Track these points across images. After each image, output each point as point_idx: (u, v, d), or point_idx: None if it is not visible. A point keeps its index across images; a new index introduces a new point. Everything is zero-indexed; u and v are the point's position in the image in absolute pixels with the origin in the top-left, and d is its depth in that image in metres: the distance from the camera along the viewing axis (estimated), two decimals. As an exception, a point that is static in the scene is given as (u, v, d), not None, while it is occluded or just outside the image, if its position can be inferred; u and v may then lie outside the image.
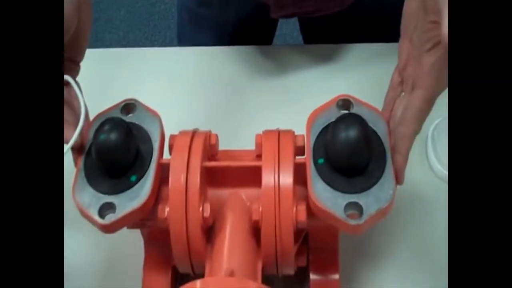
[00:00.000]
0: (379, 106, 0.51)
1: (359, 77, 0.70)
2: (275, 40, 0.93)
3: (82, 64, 0.52)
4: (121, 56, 0.75)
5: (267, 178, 0.46)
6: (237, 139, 0.53)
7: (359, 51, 0.72)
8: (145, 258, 0.53)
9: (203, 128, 0.53)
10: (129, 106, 0.51)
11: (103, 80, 0.70)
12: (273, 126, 0.51)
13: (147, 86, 0.70)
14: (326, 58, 0.72)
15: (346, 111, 0.49)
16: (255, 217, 0.46)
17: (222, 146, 0.55)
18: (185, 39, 0.86)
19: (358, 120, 0.46)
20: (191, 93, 0.69)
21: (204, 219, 0.46)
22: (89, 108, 0.51)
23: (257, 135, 0.51)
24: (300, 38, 0.90)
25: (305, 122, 0.49)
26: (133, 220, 0.46)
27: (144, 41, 1.74)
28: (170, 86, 0.70)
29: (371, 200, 0.44)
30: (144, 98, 0.53)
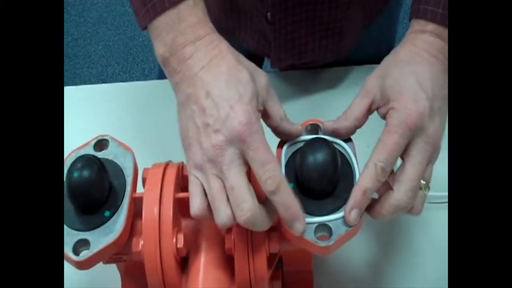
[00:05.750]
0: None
1: (328, 100, 0.71)
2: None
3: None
4: (94, 93, 0.76)
5: (239, 206, 0.47)
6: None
7: (330, 74, 0.74)
8: (123, 292, 0.53)
9: (176, 159, 0.53)
10: (101, 142, 0.52)
11: (80, 116, 0.71)
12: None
13: (120, 120, 0.71)
14: (297, 84, 0.73)
15: (313, 135, 0.50)
16: (228, 245, 0.47)
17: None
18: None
19: (324, 144, 0.47)
20: (164, 126, 0.70)
21: (178, 250, 0.47)
22: (65, 145, 0.52)
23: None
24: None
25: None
26: (108, 255, 0.47)
27: (122, 75, 1.75)
28: (144, 119, 0.71)
29: (340, 221, 0.45)
30: (118, 132, 0.53)
